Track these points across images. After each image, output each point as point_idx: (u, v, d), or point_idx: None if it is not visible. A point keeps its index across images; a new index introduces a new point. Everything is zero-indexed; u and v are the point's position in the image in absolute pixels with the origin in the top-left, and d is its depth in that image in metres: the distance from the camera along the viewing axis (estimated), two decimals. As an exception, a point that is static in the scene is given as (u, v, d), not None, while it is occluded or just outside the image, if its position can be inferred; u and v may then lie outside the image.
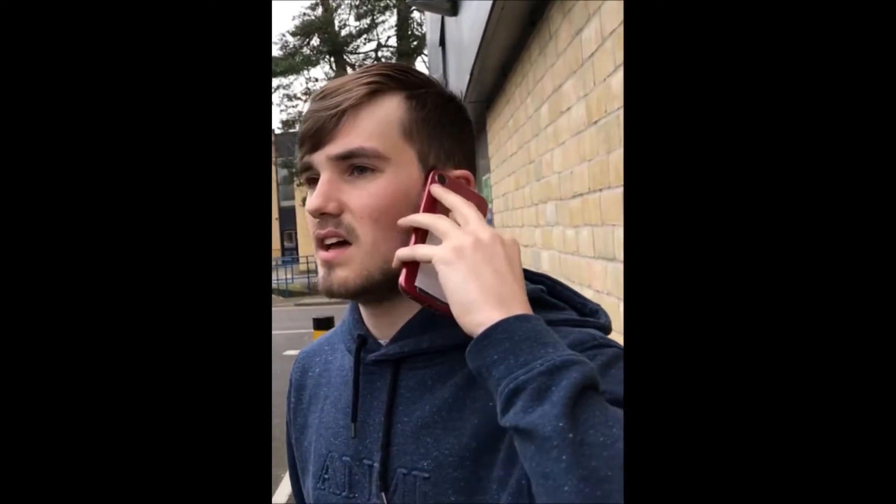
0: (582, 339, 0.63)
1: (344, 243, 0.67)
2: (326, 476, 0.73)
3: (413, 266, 0.64)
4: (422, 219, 0.65)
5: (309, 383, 0.81)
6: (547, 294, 0.71)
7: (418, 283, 0.64)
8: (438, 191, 0.66)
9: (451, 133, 0.70)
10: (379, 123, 0.66)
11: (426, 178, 0.67)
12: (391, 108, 0.67)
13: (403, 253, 0.64)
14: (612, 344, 0.64)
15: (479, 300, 0.58)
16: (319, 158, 0.67)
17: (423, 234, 0.65)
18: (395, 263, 0.64)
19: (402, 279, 0.64)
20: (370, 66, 0.70)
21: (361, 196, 0.66)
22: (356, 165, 0.66)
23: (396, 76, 0.68)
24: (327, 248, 0.67)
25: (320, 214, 0.66)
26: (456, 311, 0.60)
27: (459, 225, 0.64)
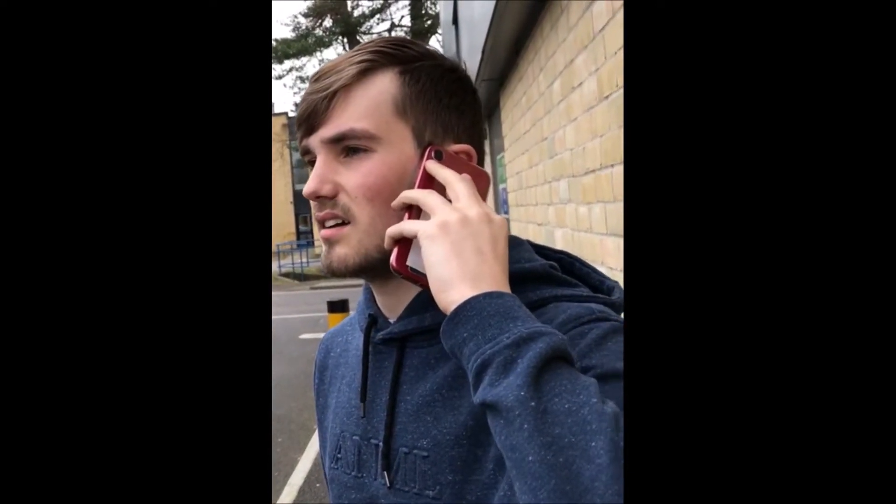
0: (580, 313, 0.62)
1: (343, 224, 0.66)
2: (339, 455, 0.73)
3: (405, 245, 0.63)
4: (412, 194, 0.63)
5: (330, 364, 0.82)
6: (559, 271, 0.70)
7: (411, 262, 0.63)
8: (433, 166, 0.64)
9: (450, 106, 0.68)
10: (370, 102, 0.65)
11: (423, 155, 0.66)
12: (383, 86, 0.66)
13: (392, 230, 0.63)
14: (613, 318, 0.63)
15: (455, 278, 0.57)
16: (314, 142, 0.66)
17: (417, 212, 0.64)
18: (386, 244, 0.63)
19: (392, 258, 0.63)
20: (366, 43, 0.68)
21: (355, 176, 0.65)
22: (349, 147, 0.65)
23: (390, 51, 0.67)
24: (328, 228, 0.68)
25: (316, 198, 0.66)
26: (433, 287, 0.59)
27: (451, 201, 0.62)
